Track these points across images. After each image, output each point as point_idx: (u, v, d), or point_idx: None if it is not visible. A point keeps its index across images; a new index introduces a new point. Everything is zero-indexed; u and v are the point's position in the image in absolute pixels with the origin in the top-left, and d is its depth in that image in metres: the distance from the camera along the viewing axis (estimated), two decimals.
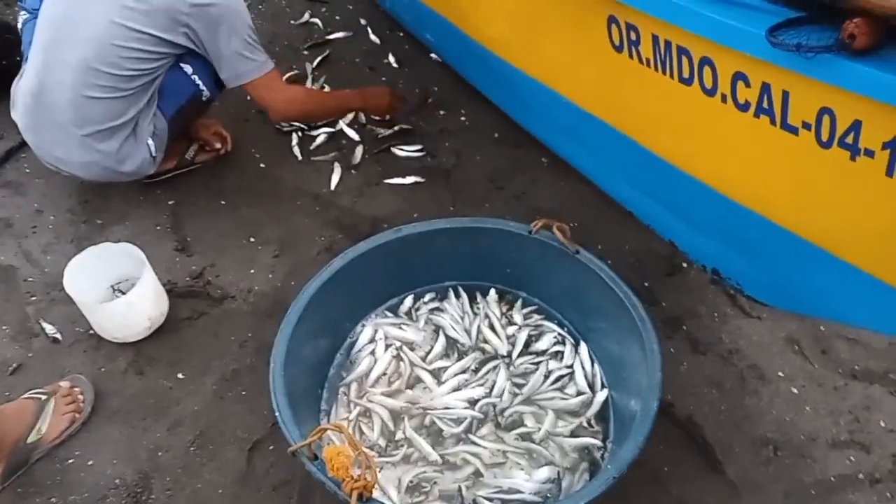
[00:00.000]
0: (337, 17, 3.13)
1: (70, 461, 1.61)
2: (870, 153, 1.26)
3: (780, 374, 1.72)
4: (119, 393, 1.75)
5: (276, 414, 1.29)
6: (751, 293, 1.87)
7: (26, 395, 1.66)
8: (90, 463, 1.61)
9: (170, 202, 2.28)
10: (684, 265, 2.00)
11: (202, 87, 2.06)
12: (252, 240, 2.16)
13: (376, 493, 1.41)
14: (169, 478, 1.58)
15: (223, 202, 2.29)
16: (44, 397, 1.65)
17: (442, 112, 2.66)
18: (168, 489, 1.56)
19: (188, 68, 2.04)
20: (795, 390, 1.69)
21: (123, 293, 1.87)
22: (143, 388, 1.76)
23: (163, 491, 1.56)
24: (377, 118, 2.55)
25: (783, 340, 1.79)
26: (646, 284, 1.96)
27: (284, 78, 2.82)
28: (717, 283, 1.93)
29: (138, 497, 1.54)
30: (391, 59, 2.93)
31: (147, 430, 1.67)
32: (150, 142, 2.07)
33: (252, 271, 2.05)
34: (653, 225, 2.08)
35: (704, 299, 1.91)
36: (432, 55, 2.92)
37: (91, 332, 1.87)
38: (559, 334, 1.71)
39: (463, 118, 2.63)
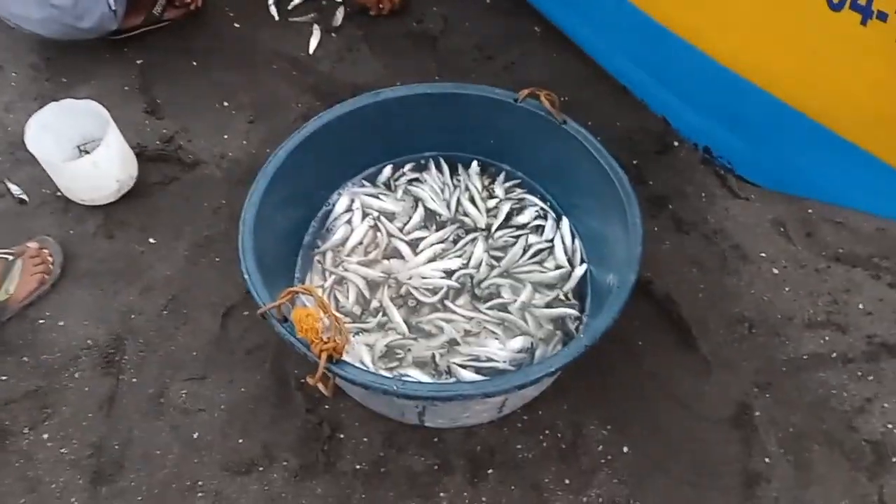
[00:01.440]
0: None
1: (41, 322, 1.59)
2: (882, 16, 1.18)
3: (763, 255, 1.70)
4: (89, 256, 1.71)
5: (245, 276, 1.26)
6: (742, 173, 1.81)
7: None
8: (61, 324, 1.59)
9: (138, 61, 2.15)
10: (676, 144, 1.93)
11: None
12: (226, 104, 2.05)
13: (348, 358, 1.42)
14: (142, 339, 1.57)
15: (195, 63, 2.16)
16: (11, 258, 1.60)
17: None
18: (141, 350, 1.55)
19: None
20: (776, 271, 1.67)
21: (90, 154, 1.78)
22: (113, 252, 1.72)
23: (136, 352, 1.55)
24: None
25: (769, 222, 1.76)
26: (634, 162, 1.90)
27: None
28: (708, 162, 1.87)
29: (111, 357, 1.54)
30: None
31: (118, 294, 1.64)
32: None
33: (226, 137, 1.96)
34: (646, 100, 1.99)
35: (693, 179, 1.86)
36: None
37: (58, 193, 1.80)
38: (541, 208, 1.66)
39: None
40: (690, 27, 1.63)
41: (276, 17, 2.30)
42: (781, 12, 1.35)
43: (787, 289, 1.65)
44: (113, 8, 1.95)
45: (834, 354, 1.55)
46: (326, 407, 1.46)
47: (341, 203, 1.66)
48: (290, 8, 2.34)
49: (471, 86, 1.61)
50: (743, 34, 1.50)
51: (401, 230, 1.64)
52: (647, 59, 1.88)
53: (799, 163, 1.62)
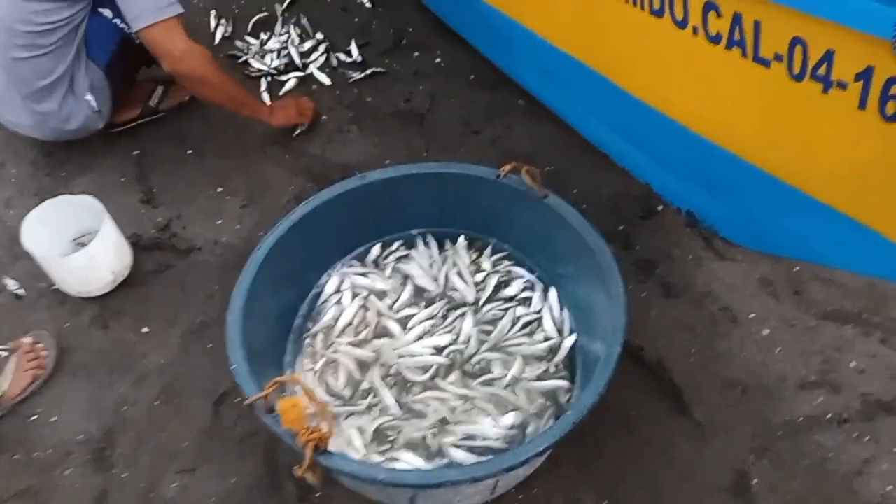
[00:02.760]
0: None
1: (33, 418, 1.60)
2: (842, 85, 1.21)
3: (752, 316, 1.70)
4: (83, 348, 1.73)
5: (233, 367, 1.27)
6: (725, 235, 1.83)
7: None
8: (54, 419, 1.60)
9: (134, 152, 2.22)
10: (660, 208, 1.96)
11: (128, 29, 1.91)
12: (219, 190, 2.11)
13: (340, 442, 1.41)
14: (133, 432, 1.57)
15: (189, 151, 2.23)
16: (5, 354, 1.62)
17: (416, 54, 2.58)
18: (133, 443, 1.55)
19: (107, 13, 1.95)
20: (767, 332, 1.67)
21: (86, 246, 1.83)
22: (107, 343, 1.74)
23: (128, 445, 1.55)
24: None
25: (757, 282, 1.77)
26: (621, 228, 1.92)
27: (253, 20, 2.74)
28: (693, 225, 1.90)
29: (102, 452, 1.54)
30: None
31: (112, 385, 1.65)
32: (90, 97, 2.01)
33: (219, 222, 2.01)
34: (628, 166, 2.03)
35: (679, 242, 1.88)
36: None
37: (54, 287, 1.84)
38: (528, 280, 1.68)
39: (438, 60, 2.55)
40: (661, 96, 1.68)
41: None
42: (746, 81, 1.39)
43: (778, 349, 1.64)
44: (97, 109, 2.03)
45: (829, 415, 1.53)
46: (318, 495, 1.45)
47: (331, 284, 1.68)
48: (281, 94, 2.43)
49: (454, 164, 1.66)
50: (711, 102, 1.55)
51: (390, 308, 1.65)
52: (625, 128, 1.93)
53: (779, 225, 1.64)
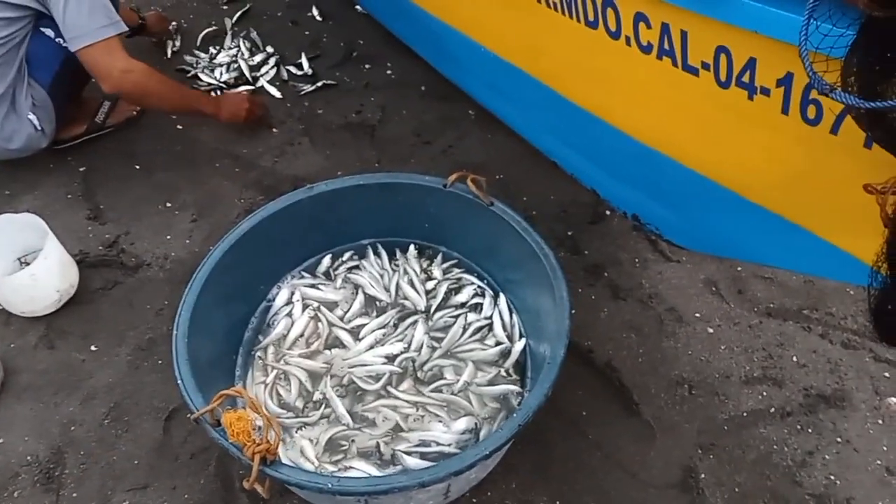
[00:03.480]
0: None
1: None
2: (766, 91, 1.26)
3: (697, 315, 1.75)
4: (30, 369, 1.69)
5: (178, 382, 1.26)
6: (669, 237, 1.88)
7: None
8: (0, 441, 1.56)
9: (81, 169, 2.19)
10: (607, 213, 2.00)
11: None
12: (168, 205, 2.09)
13: (292, 454, 1.41)
14: (83, 452, 1.54)
15: (137, 167, 2.21)
16: None
17: (367, 66, 2.60)
18: (82, 463, 1.52)
19: (50, 32, 1.92)
20: (711, 330, 1.72)
21: (29, 266, 1.79)
22: (54, 363, 1.70)
23: (77, 465, 1.52)
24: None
25: (701, 283, 1.82)
26: (570, 234, 1.96)
27: (202, 35, 2.73)
28: (639, 229, 1.94)
29: (51, 473, 1.51)
30: (315, 11, 2.85)
31: (59, 405, 1.62)
32: (32, 116, 1.98)
33: (168, 237, 1.99)
34: (576, 174, 2.07)
35: (626, 246, 1.92)
36: (357, 7, 2.84)
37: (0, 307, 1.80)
38: (479, 287, 1.70)
39: (389, 72, 2.57)
40: (601, 104, 1.72)
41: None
42: (678, 89, 1.44)
43: (722, 347, 1.69)
44: (39, 128, 2.00)
45: (773, 409, 1.57)
46: None
47: (281, 296, 1.68)
48: None
49: (401, 174, 1.67)
50: (647, 109, 1.59)
51: (342, 318, 1.66)
52: (571, 136, 1.97)
53: (720, 227, 1.69)
